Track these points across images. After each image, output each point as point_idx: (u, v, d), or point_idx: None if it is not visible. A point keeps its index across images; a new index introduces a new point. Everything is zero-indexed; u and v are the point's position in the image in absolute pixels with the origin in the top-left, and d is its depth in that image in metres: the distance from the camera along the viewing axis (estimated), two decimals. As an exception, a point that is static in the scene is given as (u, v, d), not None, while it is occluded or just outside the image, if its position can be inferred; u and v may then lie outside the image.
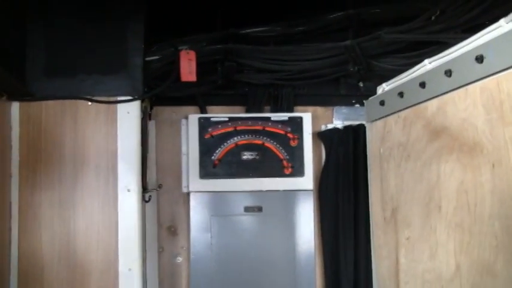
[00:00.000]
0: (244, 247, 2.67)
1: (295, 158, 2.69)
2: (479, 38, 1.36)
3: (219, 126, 2.68)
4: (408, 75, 1.80)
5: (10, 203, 2.11)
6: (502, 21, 1.26)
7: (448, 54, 1.52)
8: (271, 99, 2.84)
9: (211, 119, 2.69)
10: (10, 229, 2.11)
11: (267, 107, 2.85)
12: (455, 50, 1.48)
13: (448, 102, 1.50)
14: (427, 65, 1.65)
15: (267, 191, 2.68)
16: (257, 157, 2.68)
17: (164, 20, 2.49)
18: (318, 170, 2.83)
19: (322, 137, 2.85)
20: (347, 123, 2.85)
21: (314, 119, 2.77)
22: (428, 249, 1.62)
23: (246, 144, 2.68)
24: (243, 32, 2.52)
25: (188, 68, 2.30)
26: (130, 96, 2.18)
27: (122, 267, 2.13)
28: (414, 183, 1.72)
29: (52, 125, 2.15)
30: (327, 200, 2.78)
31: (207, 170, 2.66)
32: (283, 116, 2.72)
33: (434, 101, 1.58)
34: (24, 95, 2.13)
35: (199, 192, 2.67)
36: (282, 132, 2.69)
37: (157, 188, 2.73)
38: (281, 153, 2.68)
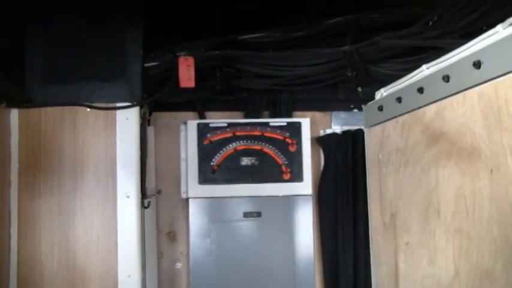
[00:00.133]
0: (243, 252, 2.67)
1: (294, 163, 2.69)
2: (476, 43, 1.36)
3: (218, 131, 2.68)
4: (406, 80, 1.80)
5: (9, 209, 2.11)
6: (499, 26, 1.27)
7: (445, 60, 1.53)
8: (269, 105, 2.85)
9: (210, 124, 2.69)
10: (10, 236, 2.10)
11: (266, 113, 2.86)
12: (453, 56, 1.48)
13: (446, 107, 1.50)
14: (425, 70, 1.65)
15: (266, 196, 2.68)
16: (256, 162, 2.68)
17: (163, 26, 2.50)
18: (317, 175, 2.83)
19: (320, 142, 2.85)
20: (345, 128, 2.85)
21: (313, 124, 2.77)
22: (428, 254, 1.63)
23: (244, 149, 2.68)
24: (242, 37, 2.53)
25: (187, 74, 2.31)
26: (129, 103, 2.19)
27: (122, 274, 2.13)
28: (413, 188, 1.72)
29: (51, 131, 2.16)
30: (326, 205, 2.79)
31: (206, 175, 2.66)
32: (282, 121, 2.72)
33: (432, 106, 1.58)
34: (23, 101, 2.14)
35: (198, 198, 2.66)
36: (280, 137, 2.70)
37: (157, 193, 2.72)
38: (280, 159, 2.68)
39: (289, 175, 2.68)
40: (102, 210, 2.15)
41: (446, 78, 1.47)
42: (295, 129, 2.71)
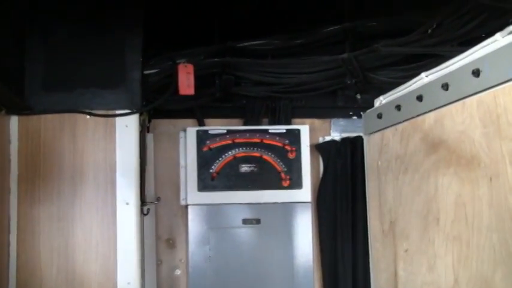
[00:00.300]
0: (242, 259, 2.66)
1: (293, 170, 2.69)
2: (475, 51, 1.37)
3: (217, 138, 2.68)
4: (405, 88, 1.81)
5: (9, 216, 2.11)
6: (497, 35, 1.27)
7: (444, 68, 1.53)
8: (269, 112, 2.85)
9: (209, 131, 2.69)
10: (9, 243, 2.10)
11: (265, 120, 2.86)
12: (452, 64, 1.49)
13: (445, 115, 1.50)
14: (424, 78, 1.66)
15: (265, 203, 2.68)
16: (255, 169, 2.68)
17: (162, 33, 2.50)
18: (316, 182, 2.83)
19: (319, 149, 2.85)
20: (344, 135, 2.85)
21: (312, 131, 2.77)
22: (427, 261, 1.63)
23: (244, 156, 2.68)
24: (241, 45, 2.53)
25: (186, 81, 2.31)
26: (129, 110, 2.19)
27: (121, 281, 2.13)
28: (412, 195, 1.73)
29: (51, 138, 2.16)
30: (325, 212, 2.78)
31: (205, 182, 2.65)
32: (281, 128, 2.72)
33: (432, 114, 1.59)
34: (22, 109, 2.14)
35: (197, 205, 2.66)
36: (279, 144, 2.70)
37: (156, 201, 2.72)
38: (279, 166, 2.68)
39: (288, 182, 2.68)
40: (102, 217, 2.15)
41: (445, 86, 1.48)
42: (294, 136, 2.71)
